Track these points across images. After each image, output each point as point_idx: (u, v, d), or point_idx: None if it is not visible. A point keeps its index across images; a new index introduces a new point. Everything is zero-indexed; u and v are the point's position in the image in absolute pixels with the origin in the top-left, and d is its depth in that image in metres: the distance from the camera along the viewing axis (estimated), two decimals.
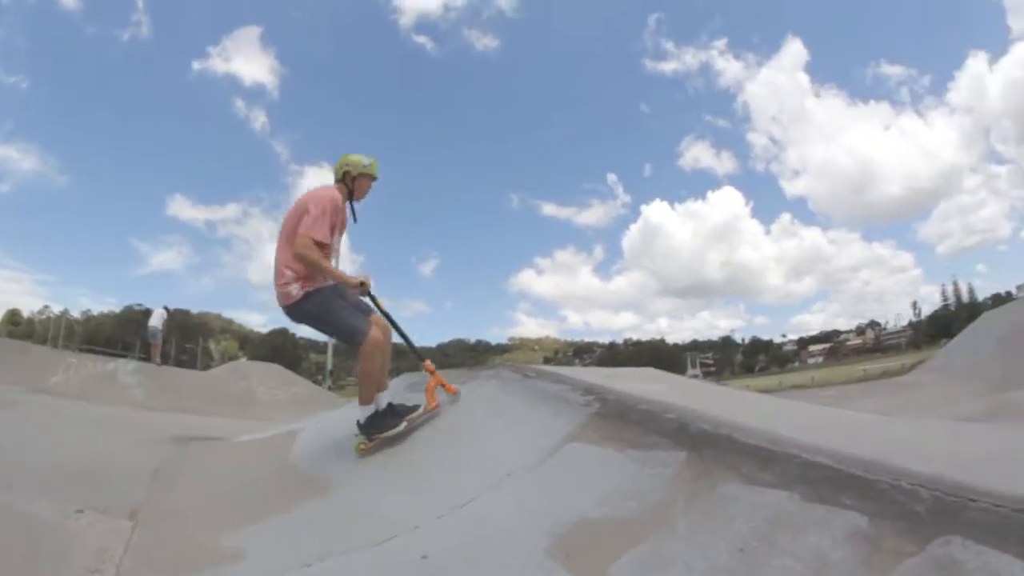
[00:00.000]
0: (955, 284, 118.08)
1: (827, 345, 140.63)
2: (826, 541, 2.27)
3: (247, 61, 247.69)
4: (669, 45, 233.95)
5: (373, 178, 5.82)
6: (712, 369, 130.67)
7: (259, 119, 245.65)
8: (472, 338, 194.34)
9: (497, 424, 4.36)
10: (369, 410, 5.17)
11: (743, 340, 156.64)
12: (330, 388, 32.71)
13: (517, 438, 3.99)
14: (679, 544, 2.51)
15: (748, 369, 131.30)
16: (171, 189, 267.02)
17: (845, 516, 2.34)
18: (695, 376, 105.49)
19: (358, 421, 5.17)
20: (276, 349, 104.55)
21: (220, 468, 6.00)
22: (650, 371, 7.39)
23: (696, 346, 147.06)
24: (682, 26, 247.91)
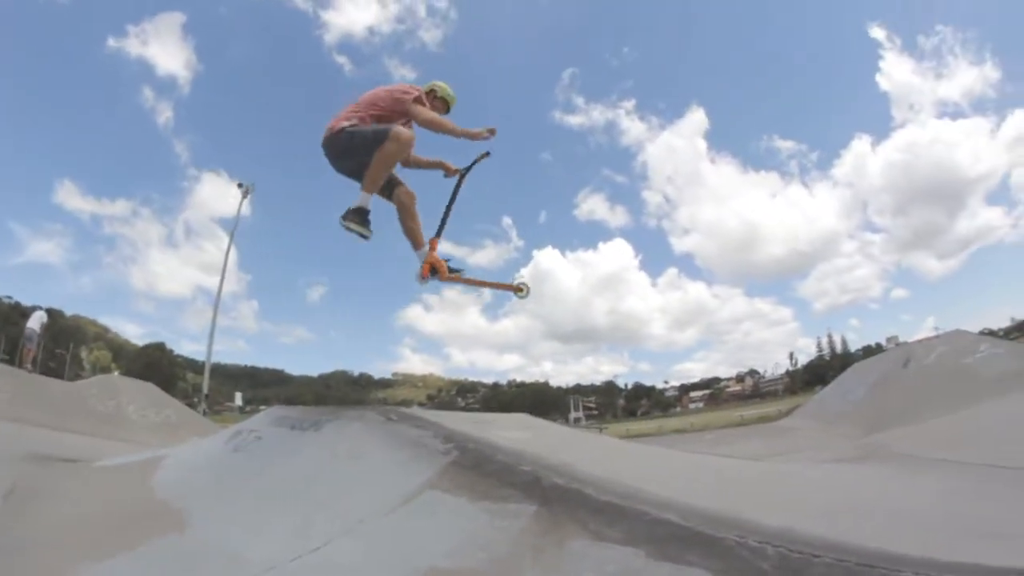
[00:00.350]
0: (829, 337, 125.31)
1: (707, 391, 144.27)
2: None
3: (164, 49, 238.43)
4: (579, 100, 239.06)
5: (447, 107, 6.57)
6: (595, 412, 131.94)
7: (165, 113, 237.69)
8: (356, 370, 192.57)
9: (356, 467, 4.22)
10: (364, 199, 5.92)
11: (626, 385, 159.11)
12: (204, 413, 31.49)
13: (375, 483, 3.87)
14: None
15: (631, 413, 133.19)
16: (61, 172, 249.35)
17: (690, 573, 2.35)
18: (578, 419, 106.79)
19: (350, 208, 5.92)
20: (151, 365, 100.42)
21: (78, 494, 5.66)
22: (523, 417, 7.40)
23: (579, 390, 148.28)
24: (594, 83, 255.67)
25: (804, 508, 4.10)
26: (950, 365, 18.84)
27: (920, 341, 25.31)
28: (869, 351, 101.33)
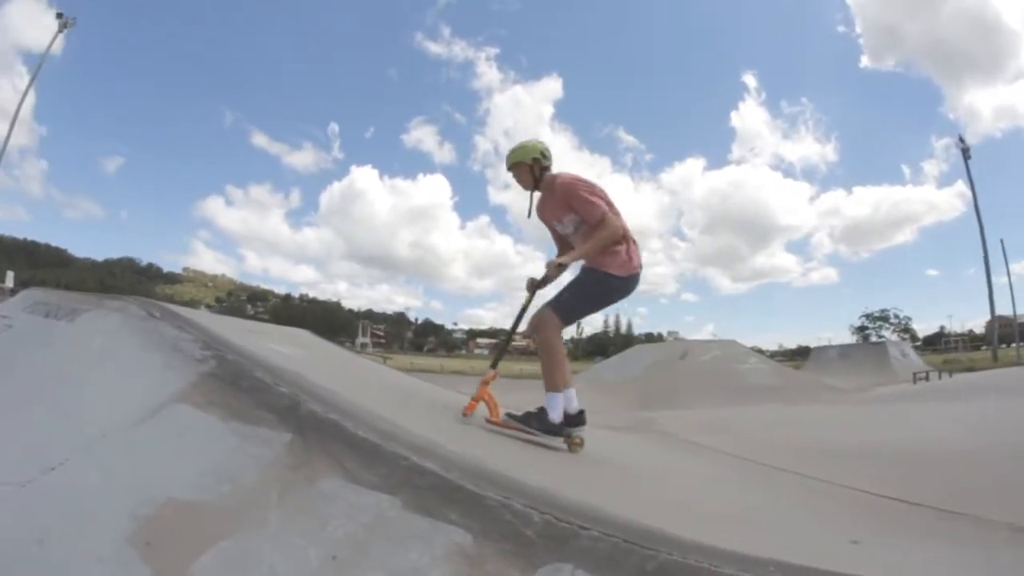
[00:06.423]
0: (617, 317, 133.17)
1: (494, 340, 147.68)
2: (425, 558, 2.14)
3: None
4: (447, 30, 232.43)
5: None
6: (382, 341, 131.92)
7: None
8: (144, 259, 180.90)
9: (107, 368, 3.59)
10: (553, 400, 4.81)
11: (417, 319, 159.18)
12: None
13: (123, 388, 3.30)
14: (267, 543, 2.24)
15: (417, 348, 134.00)
16: None
17: (448, 531, 2.22)
18: (364, 344, 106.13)
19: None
20: None
21: None
22: (303, 333, 7.09)
23: (371, 316, 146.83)
24: (468, 19, 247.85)
25: (573, 473, 4.08)
26: (722, 367, 20.81)
27: (699, 341, 27.94)
28: (650, 338, 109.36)
